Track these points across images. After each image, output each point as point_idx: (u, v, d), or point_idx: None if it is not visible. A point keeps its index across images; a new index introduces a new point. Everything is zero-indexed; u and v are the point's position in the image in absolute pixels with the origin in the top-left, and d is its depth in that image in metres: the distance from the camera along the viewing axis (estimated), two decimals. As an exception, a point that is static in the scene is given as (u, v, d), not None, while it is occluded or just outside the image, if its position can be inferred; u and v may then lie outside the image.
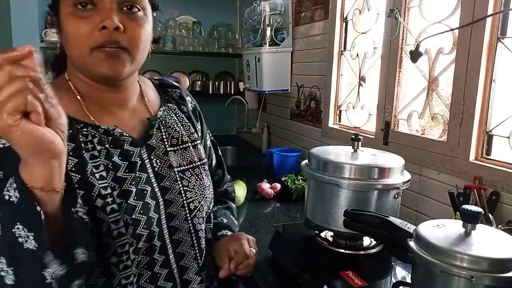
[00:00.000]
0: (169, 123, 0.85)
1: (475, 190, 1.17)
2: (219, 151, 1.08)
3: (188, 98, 0.96)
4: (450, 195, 1.20)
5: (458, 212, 1.15)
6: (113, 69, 0.70)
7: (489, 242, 0.73)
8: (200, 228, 0.84)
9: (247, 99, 2.96)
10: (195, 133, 0.91)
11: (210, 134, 1.05)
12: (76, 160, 0.69)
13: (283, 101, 2.60)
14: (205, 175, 0.89)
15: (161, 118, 0.84)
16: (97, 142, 0.72)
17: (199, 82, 3.24)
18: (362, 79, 1.90)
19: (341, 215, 1.01)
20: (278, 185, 1.87)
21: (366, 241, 1.16)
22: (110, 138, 0.74)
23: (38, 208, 0.52)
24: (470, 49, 1.24)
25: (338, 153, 1.15)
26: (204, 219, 0.87)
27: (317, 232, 1.21)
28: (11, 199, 0.53)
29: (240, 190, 1.73)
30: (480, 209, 0.74)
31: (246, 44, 2.73)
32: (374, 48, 1.78)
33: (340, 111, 2.08)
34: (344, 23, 2.00)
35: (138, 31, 0.71)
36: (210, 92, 3.22)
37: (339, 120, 2.08)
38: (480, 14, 1.20)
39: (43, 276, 0.54)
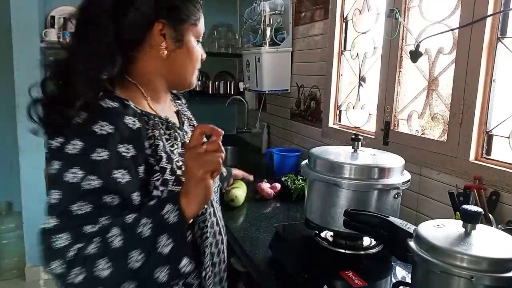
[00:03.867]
0: (186, 113, 1.08)
1: (475, 190, 1.17)
2: None
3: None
4: (450, 195, 1.20)
5: (458, 212, 1.15)
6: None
7: (489, 242, 0.73)
8: (216, 206, 1.02)
9: (247, 99, 2.96)
10: (194, 120, 1.11)
11: None
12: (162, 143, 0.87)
13: (283, 101, 2.60)
14: None
15: (181, 109, 1.07)
16: (166, 129, 0.90)
17: (199, 82, 3.24)
18: (362, 79, 1.90)
19: (341, 215, 1.01)
20: (278, 185, 1.87)
21: (366, 241, 1.16)
22: (169, 125, 0.92)
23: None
24: (470, 49, 1.24)
25: (338, 153, 1.15)
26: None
27: (317, 232, 1.21)
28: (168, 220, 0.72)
29: (240, 190, 1.72)
30: (480, 209, 0.74)
31: (246, 44, 2.73)
32: (374, 48, 1.78)
33: (340, 111, 2.08)
34: (344, 23, 2.01)
35: None
36: (210, 92, 3.22)
37: (339, 120, 2.08)
38: (480, 14, 1.20)
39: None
